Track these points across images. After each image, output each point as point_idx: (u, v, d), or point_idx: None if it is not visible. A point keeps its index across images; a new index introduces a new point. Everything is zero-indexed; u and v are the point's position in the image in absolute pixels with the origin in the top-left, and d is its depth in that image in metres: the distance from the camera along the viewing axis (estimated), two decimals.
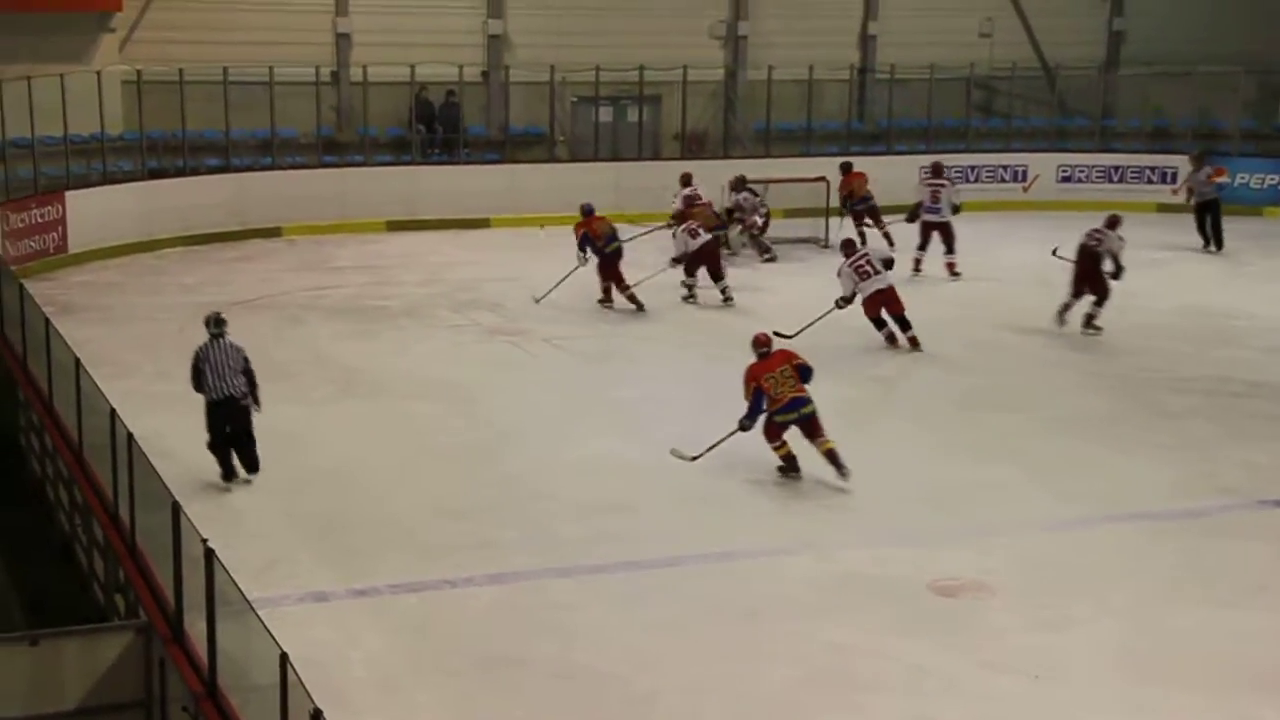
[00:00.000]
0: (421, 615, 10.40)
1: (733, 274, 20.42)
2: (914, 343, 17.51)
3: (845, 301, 17.53)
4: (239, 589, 7.48)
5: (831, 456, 12.88)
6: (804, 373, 12.99)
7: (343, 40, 26.20)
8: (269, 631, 7.03)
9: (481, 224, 25.41)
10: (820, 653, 9.82)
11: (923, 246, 21.70)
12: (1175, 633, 10.25)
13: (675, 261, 19.93)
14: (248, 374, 12.69)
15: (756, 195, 23.19)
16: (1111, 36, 31.26)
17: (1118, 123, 30.03)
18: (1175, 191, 25.71)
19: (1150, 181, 28.12)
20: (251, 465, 12.79)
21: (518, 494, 12.76)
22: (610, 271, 19.41)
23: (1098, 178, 28.24)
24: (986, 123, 29.77)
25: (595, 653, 9.77)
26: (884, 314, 17.58)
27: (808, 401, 12.91)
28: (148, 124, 23.52)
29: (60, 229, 21.73)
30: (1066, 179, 28.17)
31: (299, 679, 6.54)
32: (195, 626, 8.05)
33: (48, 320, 12.73)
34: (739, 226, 22.97)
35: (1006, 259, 23.11)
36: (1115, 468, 13.63)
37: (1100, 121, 29.71)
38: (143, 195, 23.02)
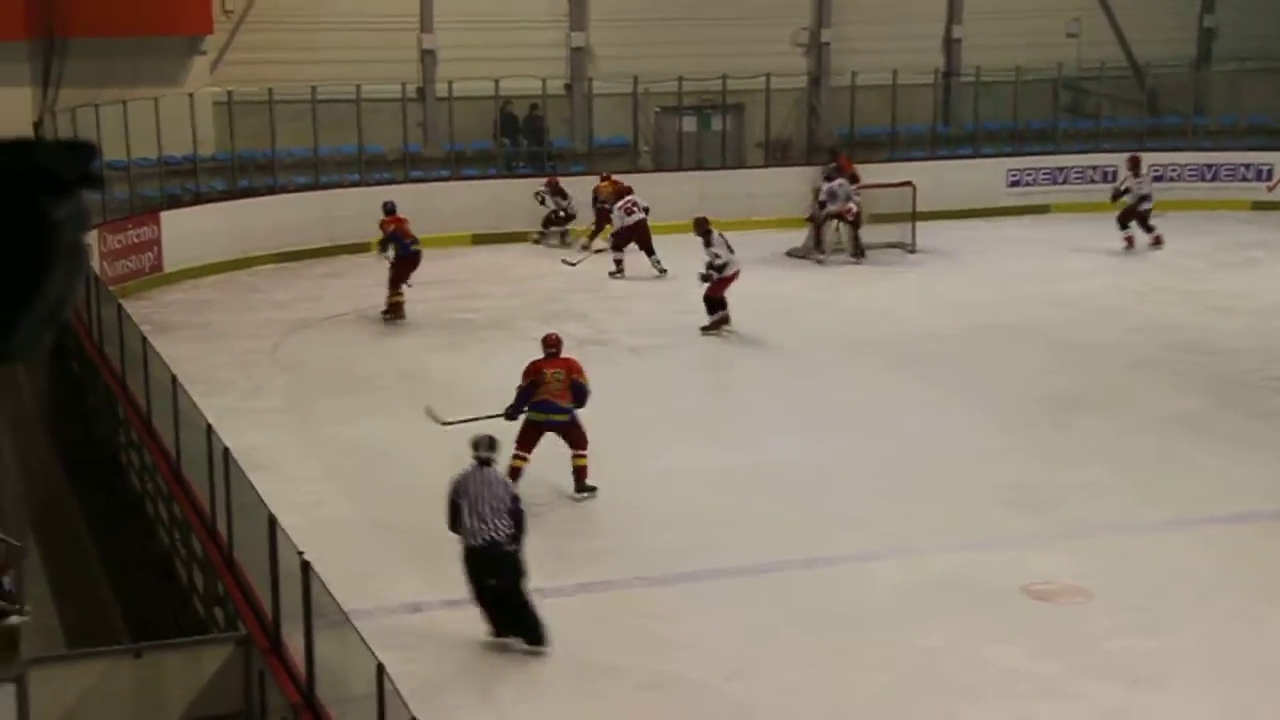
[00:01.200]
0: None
1: (819, 274, 20.35)
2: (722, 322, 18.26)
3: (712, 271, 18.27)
4: (335, 601, 7.58)
5: (578, 474, 12.79)
6: (577, 390, 12.78)
7: (428, 56, 26.44)
8: (365, 642, 7.12)
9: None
10: (914, 659, 9.75)
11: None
12: (1279, 636, 10.06)
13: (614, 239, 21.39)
14: (515, 515, 10.13)
15: (852, 183, 23.19)
16: (1202, 33, 30.76)
17: (1209, 120, 29.55)
18: (1270, 188, 25.27)
19: (1244, 179, 27.65)
20: (533, 636, 10.05)
21: (607, 503, 12.80)
22: (403, 273, 19.72)
23: (1190, 176, 27.79)
24: (1074, 124, 29.41)
25: (688, 662, 9.78)
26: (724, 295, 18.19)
27: (563, 411, 12.72)
28: (239, 144, 23.91)
29: (156, 249, 22.12)
30: (1158, 178, 27.73)
31: (395, 689, 6.62)
32: (293, 638, 8.16)
33: (145, 339, 12.96)
34: (834, 221, 22.93)
35: (1096, 258, 22.82)
36: (1213, 468, 13.42)
37: (1192, 119, 29.26)
38: (235, 214, 23.38)
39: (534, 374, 12.86)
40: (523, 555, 10.10)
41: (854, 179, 23.73)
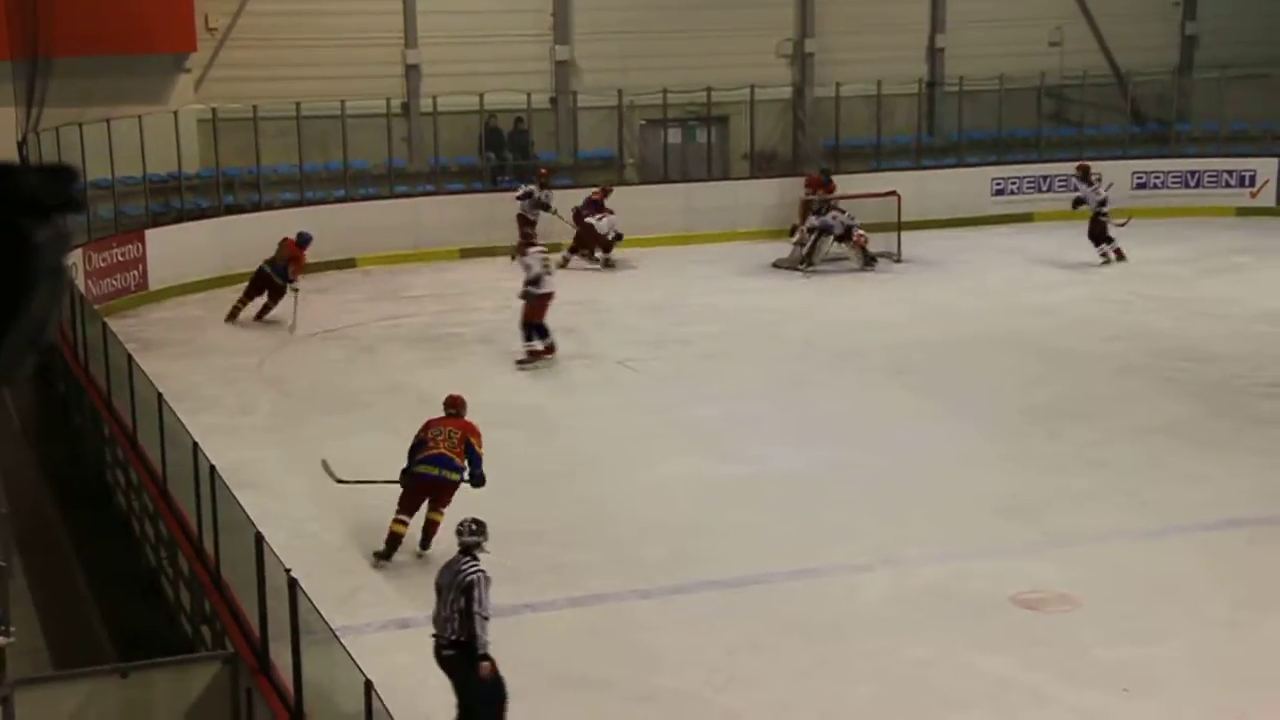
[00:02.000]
0: (502, 639, 10.41)
1: (806, 285, 20.34)
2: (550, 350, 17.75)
3: (530, 286, 17.64)
4: (323, 618, 7.55)
5: (428, 529, 11.72)
6: (471, 454, 11.83)
7: (412, 72, 26.44)
8: (353, 659, 7.09)
9: (553, 249, 25.54)
10: (903, 669, 9.74)
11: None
12: (1271, 643, 10.07)
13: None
14: (467, 614, 8.85)
15: (843, 212, 23.30)
16: (1185, 40, 30.88)
17: (1192, 127, 29.65)
18: (1254, 194, 25.35)
19: (1228, 185, 27.73)
20: None
21: (596, 516, 12.78)
22: (256, 291, 20.34)
23: (1173, 183, 27.87)
24: (1058, 132, 29.50)
25: (677, 674, 9.76)
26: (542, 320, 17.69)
27: (456, 469, 11.77)
28: (223, 161, 23.88)
29: (140, 267, 22.07)
30: (1141, 185, 27.83)
31: (384, 706, 6.59)
32: (281, 656, 8.14)
33: (130, 357, 12.93)
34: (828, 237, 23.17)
35: (1080, 267, 22.86)
36: (1202, 475, 13.43)
37: (1175, 126, 29.36)
38: (220, 231, 23.34)
39: (423, 431, 12.03)
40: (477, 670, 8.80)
41: (827, 197, 23.84)
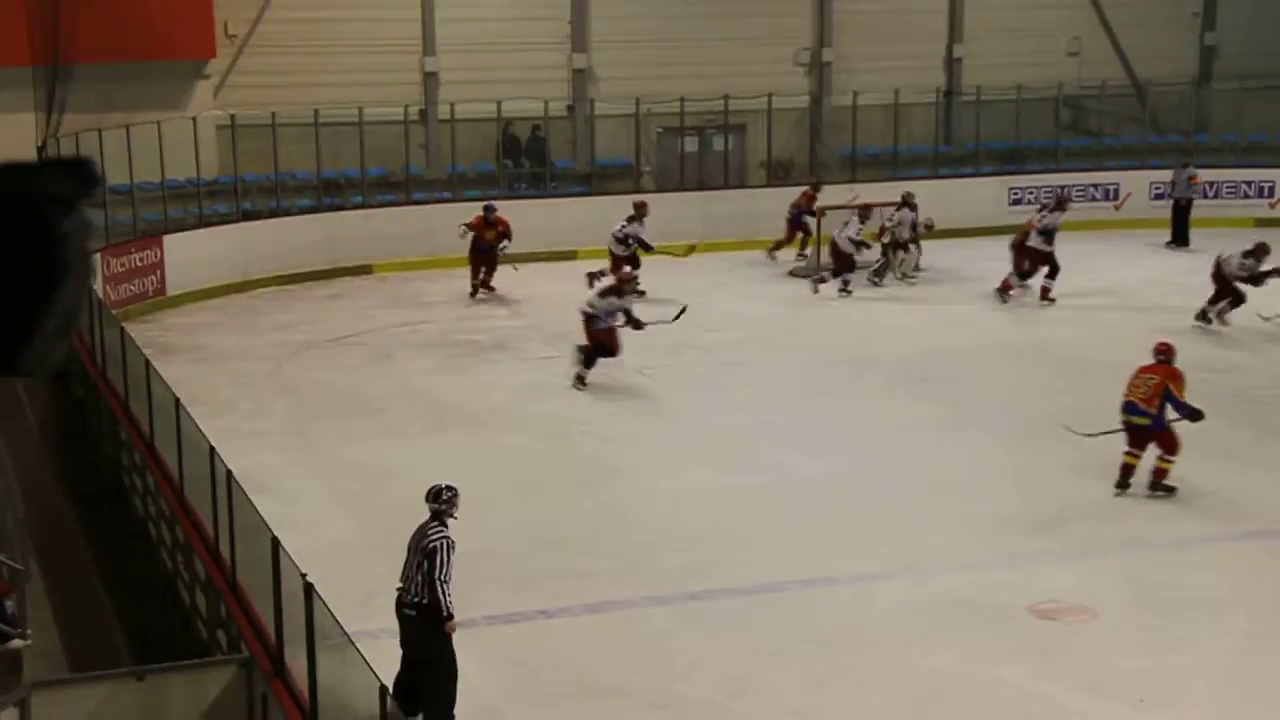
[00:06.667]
0: (518, 646, 10.43)
1: (823, 294, 20.30)
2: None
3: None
4: (338, 622, 7.55)
5: (1154, 473, 13.22)
6: (1172, 399, 13.11)
7: (430, 79, 26.48)
8: (368, 664, 7.09)
9: (569, 256, 25.53)
10: (921, 679, 9.71)
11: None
12: None
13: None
14: (429, 579, 9.03)
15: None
16: (1203, 51, 30.81)
17: (1211, 138, 29.56)
18: (1273, 205, 25.27)
19: (1247, 196, 27.65)
20: (430, 710, 9.04)
21: (613, 524, 12.76)
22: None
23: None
24: (1076, 142, 29.43)
25: (693, 682, 9.74)
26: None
27: (1141, 414, 13.18)
28: (242, 167, 23.92)
29: (158, 272, 22.13)
30: (1159, 196, 27.75)
31: (399, 711, 6.58)
32: (296, 660, 8.13)
33: (148, 362, 12.95)
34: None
35: (1097, 276, 22.79)
36: (1222, 487, 13.37)
37: (1193, 137, 29.27)
38: (237, 237, 23.40)
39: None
40: (439, 633, 8.92)
41: (810, 205, 23.69)
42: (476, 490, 13.68)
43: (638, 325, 17.18)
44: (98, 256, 19.78)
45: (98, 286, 19.10)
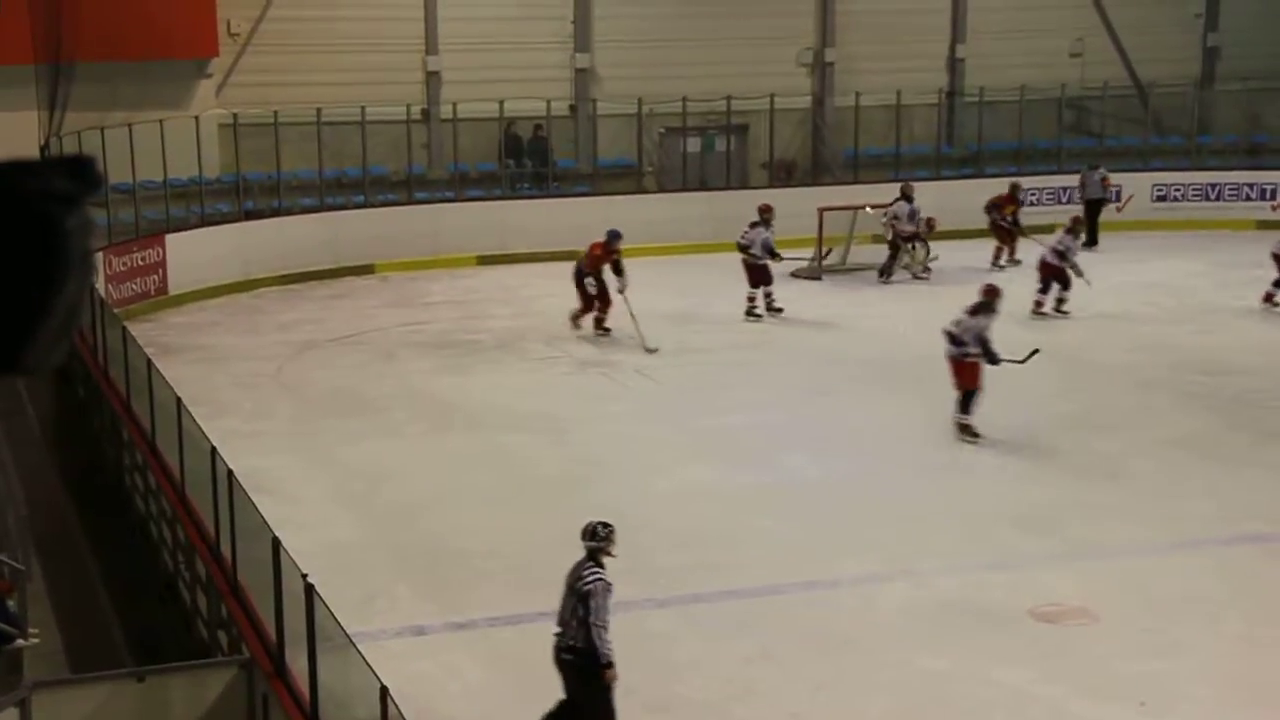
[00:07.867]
0: (520, 647, 10.43)
1: (825, 295, 20.27)
2: None
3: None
4: (339, 623, 7.55)
5: None
6: None
7: (433, 78, 26.49)
8: (369, 665, 7.09)
9: (571, 256, 25.52)
10: (920, 682, 9.71)
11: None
12: None
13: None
14: (584, 623, 8.71)
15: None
16: (1206, 52, 30.80)
17: (1214, 139, 29.55)
18: (1275, 207, 25.28)
19: (1248, 198, 27.64)
20: None
21: (615, 524, 12.73)
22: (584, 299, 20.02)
23: (1193, 196, 27.78)
24: (1078, 143, 29.41)
25: (693, 683, 9.74)
26: None
27: None
28: (244, 166, 23.95)
29: (160, 271, 22.14)
30: (1161, 198, 27.76)
31: (399, 712, 6.58)
32: (297, 661, 8.14)
33: (150, 361, 12.95)
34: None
35: (1101, 280, 22.78)
36: (1221, 490, 13.37)
37: (1195, 139, 29.27)
38: (240, 236, 23.41)
39: None
40: (596, 685, 8.64)
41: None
42: (478, 490, 13.74)
43: (994, 360, 15.24)
44: (100, 255, 19.79)
45: (100, 285, 19.10)
